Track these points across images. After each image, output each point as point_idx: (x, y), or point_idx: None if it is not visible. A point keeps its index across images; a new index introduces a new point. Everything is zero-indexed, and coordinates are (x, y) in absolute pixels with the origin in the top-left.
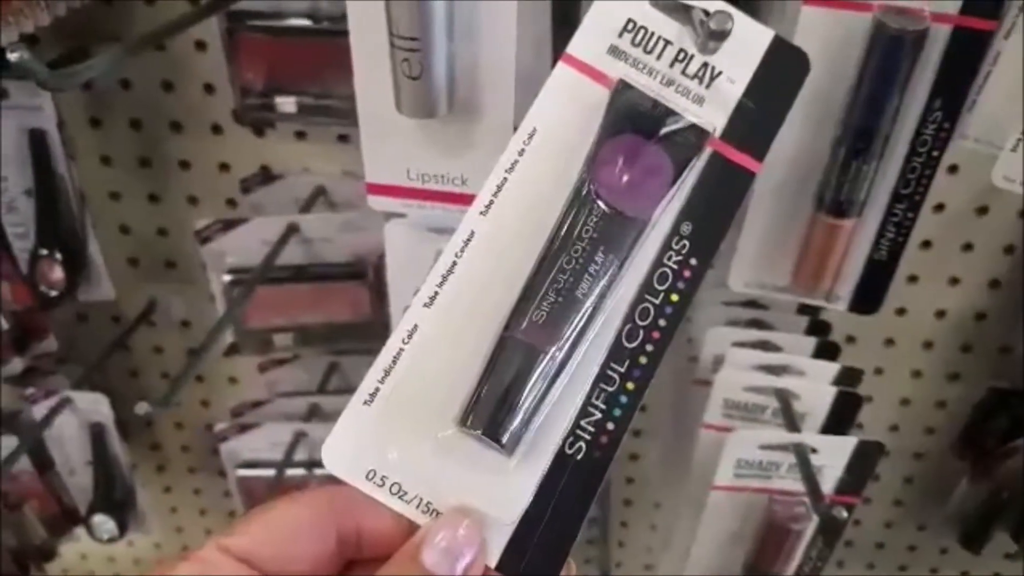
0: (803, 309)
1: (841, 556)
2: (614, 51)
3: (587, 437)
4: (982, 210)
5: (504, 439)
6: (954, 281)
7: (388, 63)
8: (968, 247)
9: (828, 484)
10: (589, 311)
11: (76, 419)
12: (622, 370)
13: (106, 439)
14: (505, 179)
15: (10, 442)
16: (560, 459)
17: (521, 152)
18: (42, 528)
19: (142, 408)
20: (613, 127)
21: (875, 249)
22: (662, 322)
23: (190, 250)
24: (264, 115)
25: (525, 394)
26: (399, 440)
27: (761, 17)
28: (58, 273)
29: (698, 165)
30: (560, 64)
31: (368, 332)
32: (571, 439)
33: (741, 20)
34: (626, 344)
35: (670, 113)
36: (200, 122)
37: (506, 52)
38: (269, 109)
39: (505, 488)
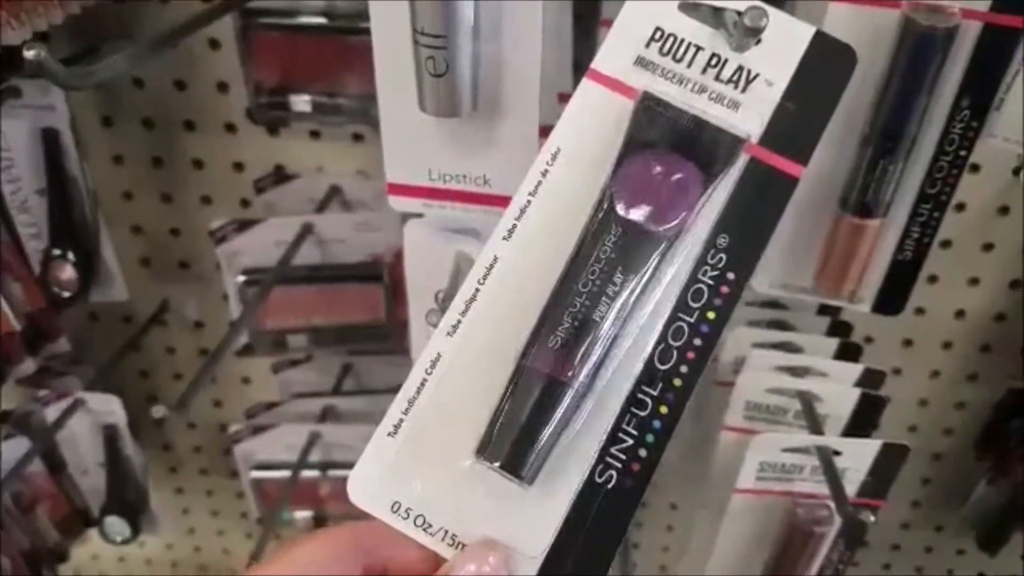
0: (823, 310)
1: (857, 557)
2: (641, 62)
3: (618, 465)
4: (1003, 210)
5: (522, 471)
6: (974, 281)
7: (410, 61)
8: (988, 247)
9: (851, 487)
10: (608, 335)
11: (89, 420)
12: (655, 393)
13: (119, 440)
14: (528, 202)
15: (23, 443)
16: (590, 488)
17: (544, 173)
18: (55, 530)
19: (159, 411)
20: (636, 141)
21: (899, 249)
22: (697, 341)
23: (203, 250)
24: (278, 114)
25: (542, 424)
26: (423, 472)
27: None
28: (70, 273)
29: (734, 173)
30: (585, 80)
31: (383, 333)
32: (601, 467)
33: (780, 17)
34: (659, 366)
35: (698, 122)
36: (213, 121)
37: (531, 50)
38: (283, 108)
39: (529, 520)
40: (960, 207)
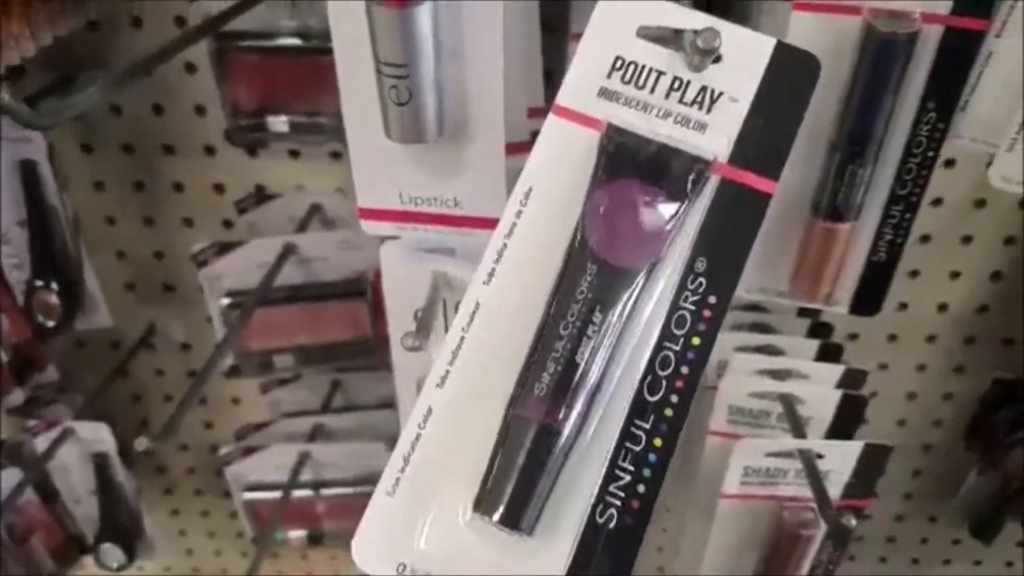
0: (804, 311)
1: (853, 551)
2: (605, 93)
3: (617, 503)
4: (980, 203)
5: (521, 523)
6: (955, 275)
7: (375, 87)
8: (967, 240)
9: (836, 489)
10: (594, 374)
11: (78, 449)
12: (647, 426)
13: (109, 468)
14: (505, 245)
15: (15, 474)
16: (592, 530)
17: (518, 214)
18: (50, 559)
19: (141, 444)
20: (604, 175)
21: (874, 251)
22: (685, 369)
23: (187, 272)
24: (256, 135)
25: (536, 473)
26: (425, 529)
27: (751, 25)
28: (54, 303)
29: (705, 196)
30: (550, 116)
31: (369, 349)
32: (600, 507)
33: (739, 32)
34: (648, 398)
35: (664, 148)
36: (192, 144)
37: (494, 73)
38: (261, 129)
39: (534, 569)
40: (937, 202)
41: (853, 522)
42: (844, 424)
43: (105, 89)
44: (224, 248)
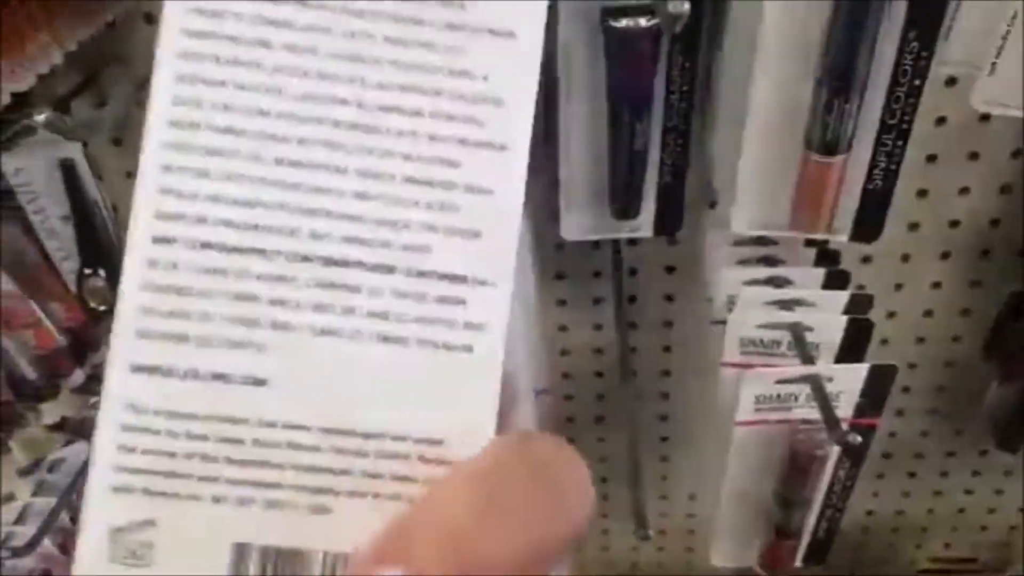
0: (811, 241)
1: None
2: None
3: None
4: (985, 118)
5: None
6: (964, 191)
7: None
8: (974, 156)
9: (847, 409)
10: None
11: None
12: None
13: None
14: None
15: (84, 447)
16: None
17: None
18: None
19: None
20: None
21: (869, 179)
22: None
23: None
24: None
25: None
26: None
27: None
28: (104, 289)
29: None
30: None
31: None
32: None
33: None
34: None
35: None
36: None
37: None
38: None
39: None
40: (941, 120)
41: (859, 439)
42: (852, 347)
43: (129, 99)
44: None
